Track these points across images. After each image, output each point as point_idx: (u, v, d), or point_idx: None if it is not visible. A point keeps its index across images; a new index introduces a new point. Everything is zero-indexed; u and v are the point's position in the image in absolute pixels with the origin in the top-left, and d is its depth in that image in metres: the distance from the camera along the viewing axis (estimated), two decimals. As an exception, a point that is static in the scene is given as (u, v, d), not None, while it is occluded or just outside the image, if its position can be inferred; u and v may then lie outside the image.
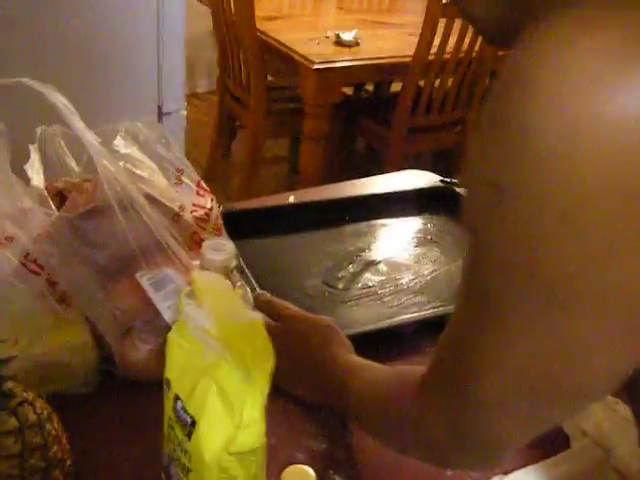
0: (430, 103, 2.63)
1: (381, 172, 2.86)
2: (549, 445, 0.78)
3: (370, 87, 3.42)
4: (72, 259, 0.74)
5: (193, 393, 0.56)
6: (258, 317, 0.53)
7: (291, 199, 1.18)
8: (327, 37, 2.58)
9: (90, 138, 0.70)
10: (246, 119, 2.77)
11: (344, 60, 2.42)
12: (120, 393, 0.77)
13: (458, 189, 1.06)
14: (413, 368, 0.58)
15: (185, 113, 1.23)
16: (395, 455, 0.73)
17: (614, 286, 0.37)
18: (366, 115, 2.90)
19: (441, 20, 2.35)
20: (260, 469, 0.59)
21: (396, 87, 3.23)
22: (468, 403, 0.47)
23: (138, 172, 0.77)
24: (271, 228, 1.06)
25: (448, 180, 1.07)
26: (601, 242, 0.35)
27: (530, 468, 0.74)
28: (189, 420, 0.57)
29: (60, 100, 0.69)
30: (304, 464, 0.70)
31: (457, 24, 2.39)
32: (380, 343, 0.84)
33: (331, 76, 2.41)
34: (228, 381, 0.54)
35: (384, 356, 0.75)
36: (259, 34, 2.50)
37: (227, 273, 0.65)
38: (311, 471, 0.68)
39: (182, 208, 0.80)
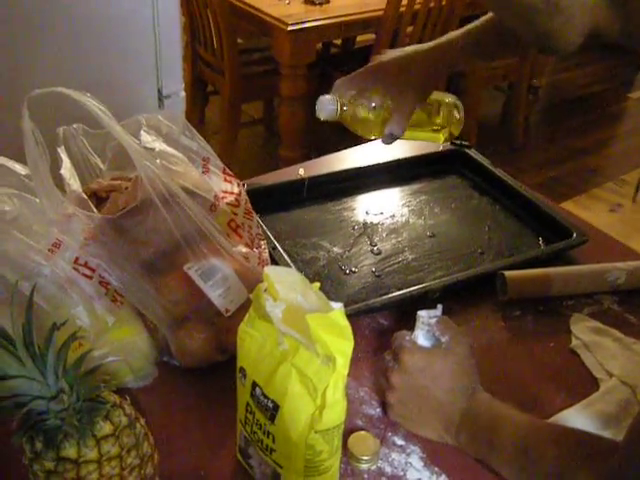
0: (403, 54, 2.63)
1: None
2: (580, 388, 0.84)
3: (338, 41, 3.39)
4: (120, 258, 0.76)
5: (272, 379, 0.60)
6: (337, 306, 0.56)
7: (301, 171, 1.20)
8: (296, -4, 2.55)
9: (129, 140, 0.71)
10: (220, 84, 2.74)
11: (316, 19, 2.40)
12: (172, 380, 0.80)
13: (469, 151, 1.09)
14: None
15: (184, 94, 1.23)
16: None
17: None
18: (339, 71, 2.89)
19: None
20: (340, 440, 0.63)
21: (362, 39, 3.21)
22: None
23: (174, 168, 0.79)
24: (297, 200, 1.10)
25: (459, 142, 1.10)
26: None
27: (569, 410, 0.80)
28: (270, 404, 0.60)
29: (96, 106, 0.70)
30: (363, 430, 0.75)
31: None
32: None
33: (305, 36, 2.39)
34: (308, 366, 0.58)
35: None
36: (227, -2, 2.46)
37: None
38: (372, 436, 0.73)
39: (217, 197, 0.82)
